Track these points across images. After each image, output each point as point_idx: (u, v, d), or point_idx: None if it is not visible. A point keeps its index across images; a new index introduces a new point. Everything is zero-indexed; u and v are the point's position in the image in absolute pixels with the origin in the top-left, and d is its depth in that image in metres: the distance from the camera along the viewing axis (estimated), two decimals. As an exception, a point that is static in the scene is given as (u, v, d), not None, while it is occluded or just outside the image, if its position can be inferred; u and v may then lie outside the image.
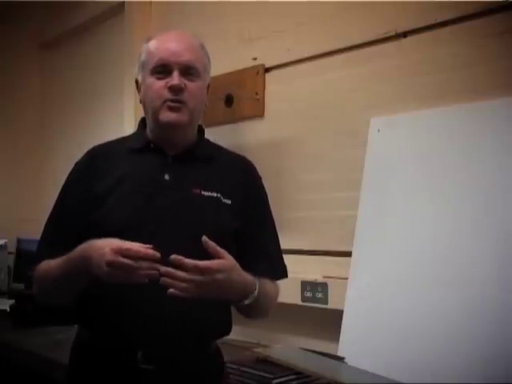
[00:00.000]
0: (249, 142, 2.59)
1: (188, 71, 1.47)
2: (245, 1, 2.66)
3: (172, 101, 1.45)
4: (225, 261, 1.30)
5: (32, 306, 2.72)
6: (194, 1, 2.92)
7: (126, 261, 1.24)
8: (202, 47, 1.55)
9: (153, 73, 1.48)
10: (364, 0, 2.20)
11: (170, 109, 1.45)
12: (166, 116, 1.45)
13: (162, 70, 1.47)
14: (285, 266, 1.58)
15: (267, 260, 1.52)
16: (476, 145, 1.85)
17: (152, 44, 1.52)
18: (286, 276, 1.58)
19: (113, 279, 1.27)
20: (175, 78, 1.45)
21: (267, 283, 1.48)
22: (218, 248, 1.30)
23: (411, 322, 1.84)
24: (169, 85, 1.45)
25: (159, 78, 1.47)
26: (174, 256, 1.25)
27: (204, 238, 1.27)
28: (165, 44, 1.50)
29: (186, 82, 1.46)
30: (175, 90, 1.45)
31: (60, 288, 1.46)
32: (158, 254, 1.25)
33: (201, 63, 1.51)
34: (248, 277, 1.38)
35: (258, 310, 1.47)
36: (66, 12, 3.82)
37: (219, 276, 1.28)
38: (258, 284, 1.40)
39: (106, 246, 1.27)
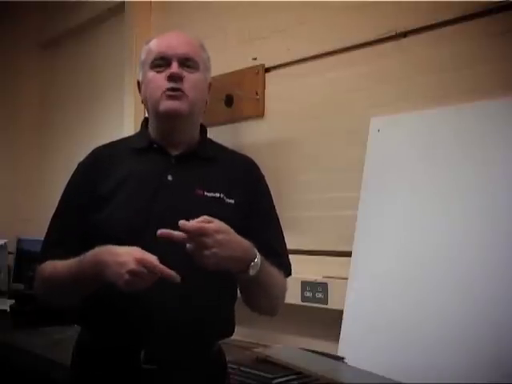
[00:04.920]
0: (249, 141, 2.59)
1: (187, 63, 1.48)
2: (245, 1, 2.66)
3: (171, 89, 1.45)
4: (219, 222, 1.27)
5: (32, 305, 2.72)
6: (193, 1, 2.93)
7: (147, 271, 1.23)
8: (202, 46, 1.56)
9: (152, 67, 1.49)
10: (364, 0, 2.20)
11: (170, 97, 1.45)
12: (166, 105, 1.45)
13: (161, 62, 1.48)
14: (290, 264, 1.56)
15: (272, 255, 1.47)
16: (478, 145, 1.85)
17: (151, 43, 1.54)
18: (290, 273, 1.55)
19: (131, 287, 1.25)
20: (174, 67, 1.46)
21: (272, 267, 1.43)
22: (202, 218, 1.26)
23: (411, 322, 1.84)
24: (168, 74, 1.46)
25: (159, 72, 1.48)
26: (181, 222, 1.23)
27: (181, 222, 1.23)
28: (163, 40, 1.53)
29: (184, 72, 1.47)
30: (174, 78, 1.45)
31: (66, 291, 1.44)
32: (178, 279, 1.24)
33: (200, 57, 1.52)
34: (246, 242, 1.33)
35: (265, 293, 1.43)
36: (65, 12, 3.83)
37: (219, 236, 1.25)
38: (260, 258, 1.35)
39: (125, 254, 1.25)
